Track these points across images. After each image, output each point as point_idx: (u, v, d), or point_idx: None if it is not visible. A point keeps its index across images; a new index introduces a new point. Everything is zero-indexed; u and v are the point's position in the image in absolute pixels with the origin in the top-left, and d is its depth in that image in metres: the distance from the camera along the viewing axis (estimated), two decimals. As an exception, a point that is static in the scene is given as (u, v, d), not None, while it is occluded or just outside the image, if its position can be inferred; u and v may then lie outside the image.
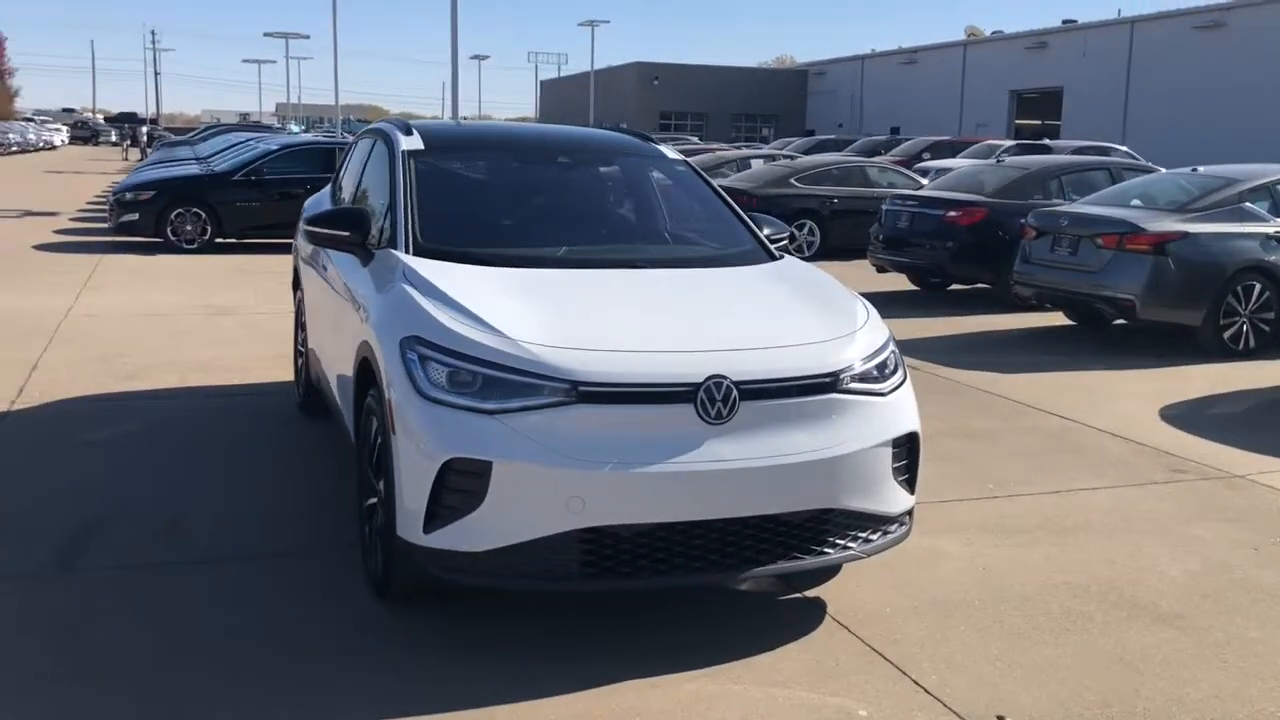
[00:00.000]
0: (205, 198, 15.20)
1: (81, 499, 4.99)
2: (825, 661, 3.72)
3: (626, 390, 3.55)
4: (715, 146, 28.29)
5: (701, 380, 3.59)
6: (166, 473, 5.46)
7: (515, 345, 3.60)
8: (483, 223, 4.85)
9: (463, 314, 3.77)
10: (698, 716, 3.34)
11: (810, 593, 4.26)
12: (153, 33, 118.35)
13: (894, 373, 4.10)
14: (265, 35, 65.50)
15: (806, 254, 16.33)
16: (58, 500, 4.97)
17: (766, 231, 5.14)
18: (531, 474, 3.47)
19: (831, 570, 4.34)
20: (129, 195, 15.25)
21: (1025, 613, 4.17)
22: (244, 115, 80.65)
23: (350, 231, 4.62)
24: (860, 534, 3.92)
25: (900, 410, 4.02)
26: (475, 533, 3.50)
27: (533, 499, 3.49)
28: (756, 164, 19.04)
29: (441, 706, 3.32)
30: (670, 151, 5.45)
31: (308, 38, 66.15)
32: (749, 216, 5.18)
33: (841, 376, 3.85)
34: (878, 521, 3.96)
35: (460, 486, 3.50)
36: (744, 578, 3.76)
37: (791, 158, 19.88)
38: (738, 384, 3.63)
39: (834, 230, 16.29)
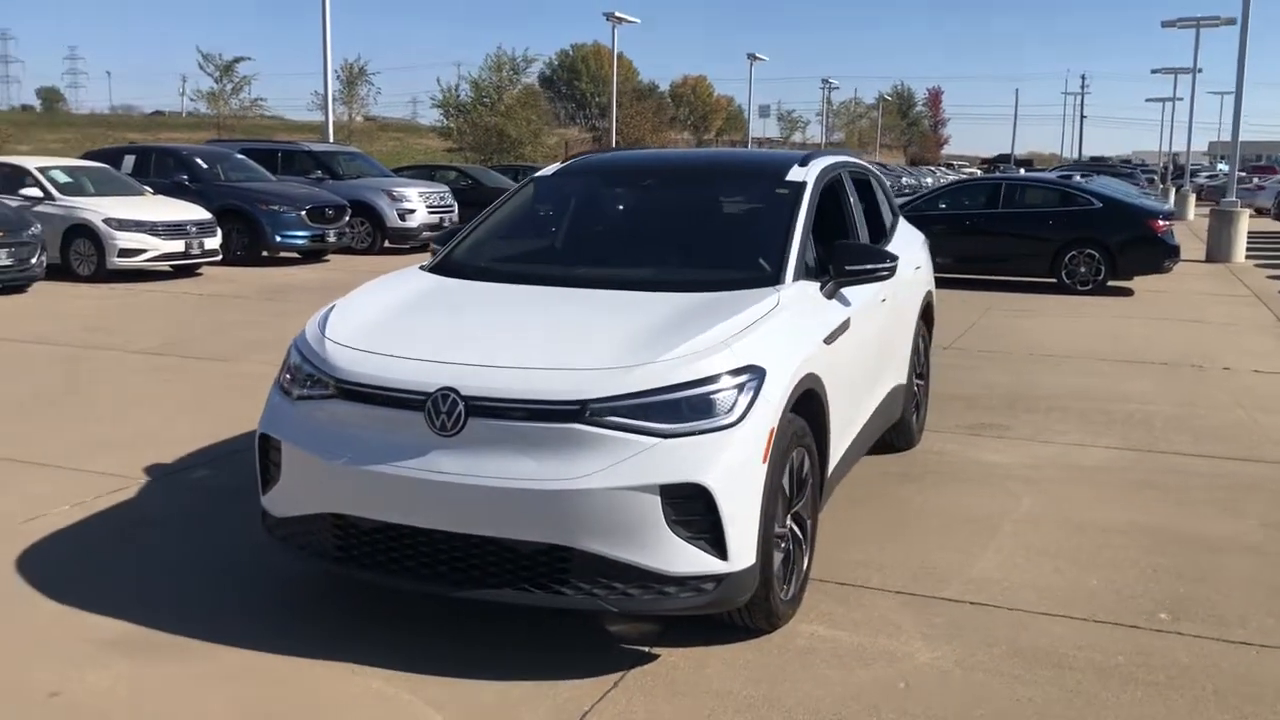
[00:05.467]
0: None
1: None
2: (518, 708, 3.50)
3: (368, 391, 3.76)
4: None
5: (433, 391, 3.64)
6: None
7: (320, 343, 4.03)
8: (520, 240, 5.13)
9: (324, 316, 4.27)
10: (310, 700, 3.50)
11: (661, 649, 3.88)
12: (1082, 78, 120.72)
13: (702, 416, 3.57)
14: (1153, 72, 63.72)
15: None
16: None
17: (853, 262, 4.62)
18: (301, 457, 3.89)
19: (743, 633, 3.95)
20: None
21: (829, 737, 3.33)
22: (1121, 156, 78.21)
23: (439, 246, 5.27)
24: (615, 584, 3.53)
25: (685, 457, 3.50)
26: (277, 501, 4.02)
27: (304, 479, 3.90)
28: None
29: (158, 624, 4.01)
30: (798, 175, 5.01)
31: (1199, 71, 62.24)
32: (846, 246, 4.73)
33: (591, 407, 3.52)
34: (641, 576, 3.52)
35: (270, 458, 4.05)
36: (466, 597, 3.64)
37: None
38: (465, 399, 3.60)
39: None
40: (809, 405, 4.15)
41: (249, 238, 16.90)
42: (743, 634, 3.97)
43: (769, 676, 3.71)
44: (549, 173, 5.56)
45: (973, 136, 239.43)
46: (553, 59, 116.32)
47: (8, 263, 12.83)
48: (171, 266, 15.27)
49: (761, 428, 3.66)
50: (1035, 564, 4.76)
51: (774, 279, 4.37)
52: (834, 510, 5.29)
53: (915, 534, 5.12)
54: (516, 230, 5.33)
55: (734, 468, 3.56)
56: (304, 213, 17.16)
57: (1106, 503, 5.64)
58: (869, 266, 4.63)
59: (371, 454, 3.70)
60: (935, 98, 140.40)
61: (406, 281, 4.70)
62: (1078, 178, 17.59)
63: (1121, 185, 21.28)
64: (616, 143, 47.37)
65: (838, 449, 4.63)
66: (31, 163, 15.61)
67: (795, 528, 4.10)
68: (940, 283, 15.30)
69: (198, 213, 15.45)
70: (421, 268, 4.92)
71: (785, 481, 3.91)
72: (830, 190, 5.45)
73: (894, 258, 4.74)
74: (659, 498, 3.48)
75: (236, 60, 41.91)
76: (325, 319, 4.22)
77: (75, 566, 4.58)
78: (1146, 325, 12.22)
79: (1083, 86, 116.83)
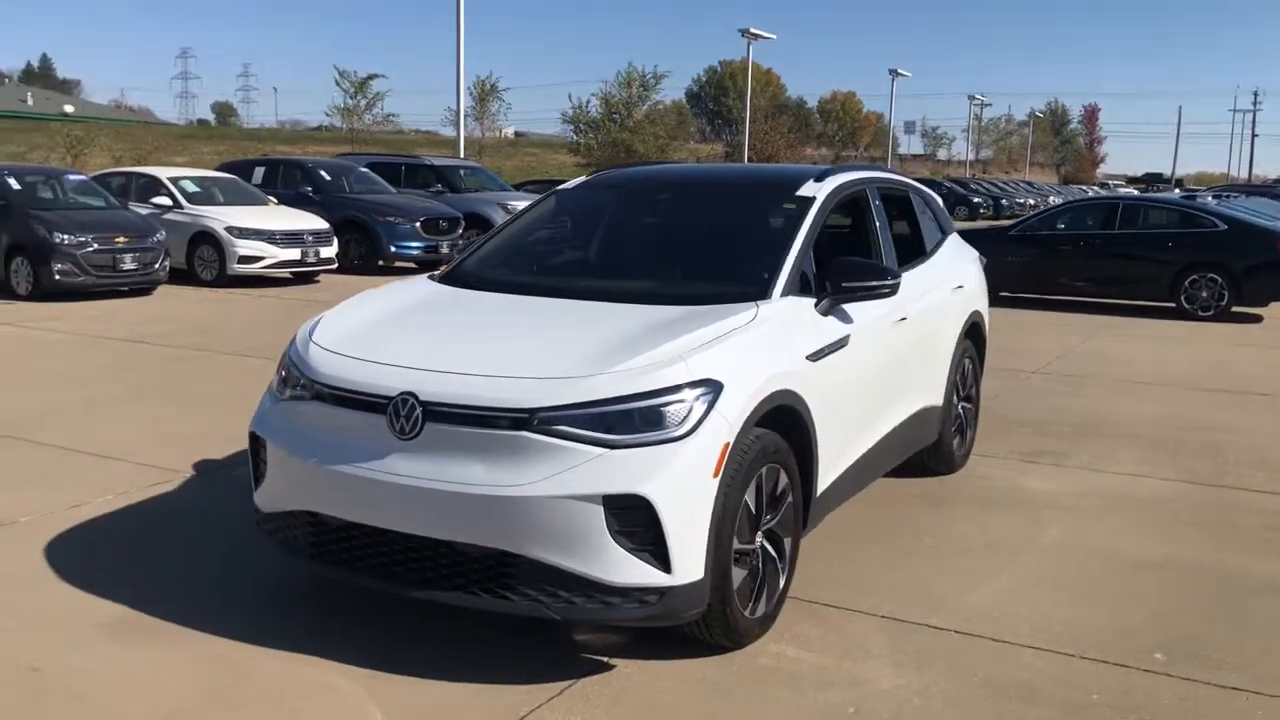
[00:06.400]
0: (979, 252, 15.70)
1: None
2: (459, 708, 3.56)
3: (338, 393, 3.88)
4: None
5: (394, 394, 3.74)
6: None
7: (305, 346, 4.17)
8: (530, 252, 5.20)
9: (316, 321, 4.42)
10: (263, 688, 3.63)
11: (619, 660, 3.89)
12: (1255, 94, 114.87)
13: (651, 428, 3.56)
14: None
15: None
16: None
17: (849, 279, 4.54)
18: (282, 456, 4.04)
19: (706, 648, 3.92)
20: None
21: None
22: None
23: (458, 254, 5.38)
24: (559, 592, 3.55)
25: (629, 468, 3.50)
26: (264, 496, 4.18)
27: (284, 477, 4.05)
28: None
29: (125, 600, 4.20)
30: (809, 190, 4.95)
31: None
32: (842, 262, 4.65)
33: (540, 416, 3.56)
34: (585, 585, 3.53)
35: (260, 456, 4.21)
36: (421, 598, 3.72)
37: None
38: (423, 403, 3.68)
39: None
40: (787, 422, 4.10)
41: (366, 247, 17.51)
42: (707, 650, 3.94)
43: (718, 694, 3.67)
44: (571, 186, 5.64)
45: (1132, 155, 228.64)
46: (701, 75, 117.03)
47: (132, 266, 13.61)
48: (291, 273, 15.93)
49: (714, 442, 3.64)
50: (1041, 595, 4.58)
51: (760, 294, 4.32)
52: (843, 530, 5.21)
53: (924, 559, 4.99)
54: (529, 242, 5.40)
55: (680, 481, 3.54)
56: (418, 224, 17.68)
57: (1145, 536, 5.38)
58: (866, 284, 4.54)
59: (340, 454, 3.82)
60: (1091, 114, 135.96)
61: (406, 290, 4.83)
62: (1209, 198, 16.81)
63: (1271, 206, 20.22)
64: (749, 158, 47.31)
65: (833, 468, 4.55)
66: (164, 173, 16.54)
67: (769, 546, 4.05)
68: (1051, 305, 14.95)
69: (315, 222, 16.08)
70: (430, 277, 5.04)
71: (750, 498, 3.86)
72: (852, 206, 5.38)
73: (895, 275, 4.63)
74: (602, 508, 3.49)
75: (370, 77, 43.72)
76: (316, 324, 4.38)
77: (96, 552, 4.84)
78: (1262, 354, 11.59)
79: (1255, 103, 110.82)
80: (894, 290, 4.62)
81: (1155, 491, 6.18)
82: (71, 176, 15.30)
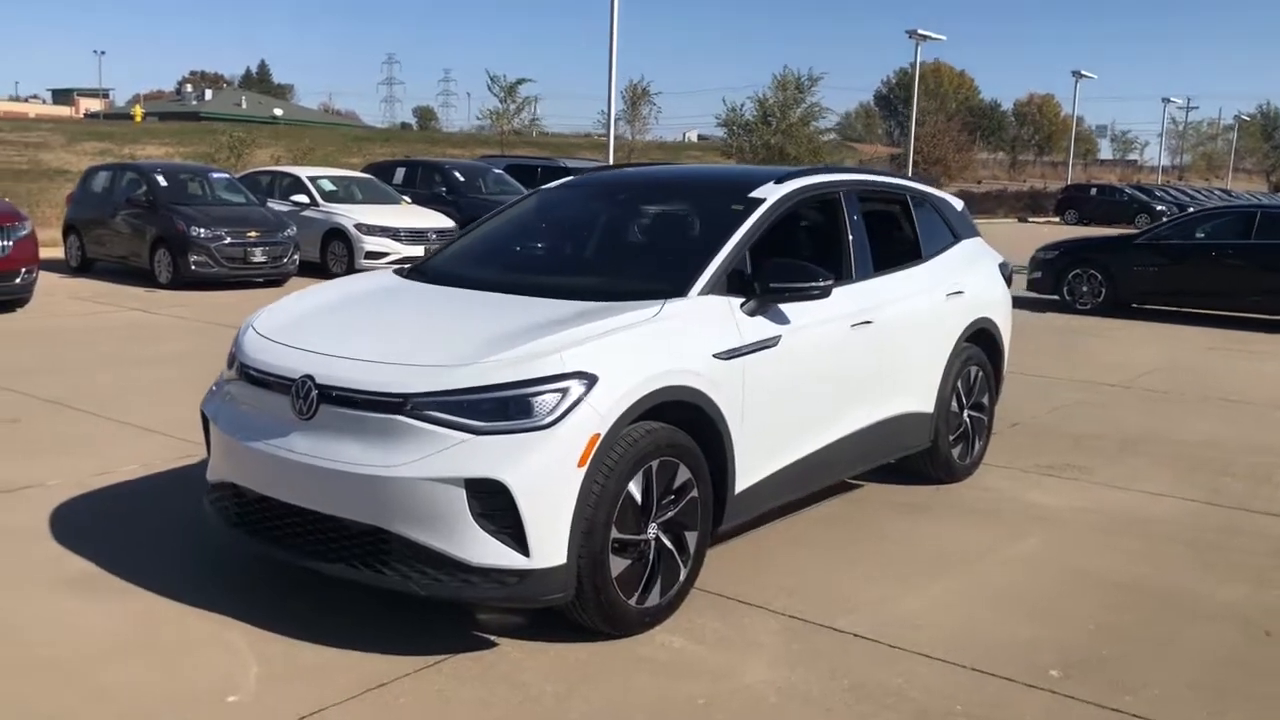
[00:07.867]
0: (1104, 261, 15.10)
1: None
2: (328, 671, 3.79)
3: (256, 375, 4.18)
4: None
5: (296, 377, 4.00)
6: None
7: (245, 331, 4.48)
8: (495, 247, 5.39)
9: (264, 309, 4.73)
10: (170, 640, 3.94)
11: (505, 639, 4.04)
12: None
13: (517, 416, 3.71)
14: None
15: None
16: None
17: (776, 280, 4.56)
18: (217, 431, 4.37)
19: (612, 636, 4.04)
20: (1041, 254, 15.86)
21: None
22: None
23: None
24: (426, 569, 3.74)
25: (491, 454, 3.65)
26: (209, 469, 4.53)
27: (218, 451, 4.39)
28: None
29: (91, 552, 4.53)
30: (761, 192, 4.95)
31: None
32: (773, 264, 4.64)
33: (413, 401, 3.75)
34: (448, 564, 3.71)
35: (208, 433, 4.56)
36: (311, 568, 3.95)
37: None
38: (319, 386, 3.93)
39: None
40: (690, 418, 4.17)
41: (493, 245, 18.09)
42: (595, 637, 4.03)
43: (582, 677, 3.78)
44: (552, 185, 5.81)
45: None
46: (891, 77, 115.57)
47: (262, 259, 14.51)
48: (418, 269, 16.64)
49: (580, 432, 3.74)
50: (969, 607, 4.49)
51: (674, 291, 4.38)
52: (803, 530, 5.29)
53: (871, 563, 4.94)
54: (496, 237, 5.58)
55: (540, 468, 3.67)
56: (542, 224, 18.14)
57: (1126, 555, 5.17)
58: (794, 285, 4.53)
59: (256, 432, 4.12)
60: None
61: (359, 281, 5.15)
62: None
63: None
64: (915, 162, 46.32)
65: (758, 468, 4.57)
66: (304, 172, 17.54)
67: (665, 538, 4.12)
68: (1175, 318, 14.18)
69: (440, 220, 16.76)
70: (395, 270, 5.32)
71: (636, 489, 3.95)
72: (822, 209, 5.37)
73: (826, 278, 4.58)
74: (464, 491, 3.66)
75: (519, 81, 44.79)
76: (262, 311, 4.69)
77: (96, 516, 5.30)
78: (1392, 375, 10.75)
79: None
80: (825, 293, 4.60)
81: (1167, 511, 5.90)
82: (216, 174, 16.42)
